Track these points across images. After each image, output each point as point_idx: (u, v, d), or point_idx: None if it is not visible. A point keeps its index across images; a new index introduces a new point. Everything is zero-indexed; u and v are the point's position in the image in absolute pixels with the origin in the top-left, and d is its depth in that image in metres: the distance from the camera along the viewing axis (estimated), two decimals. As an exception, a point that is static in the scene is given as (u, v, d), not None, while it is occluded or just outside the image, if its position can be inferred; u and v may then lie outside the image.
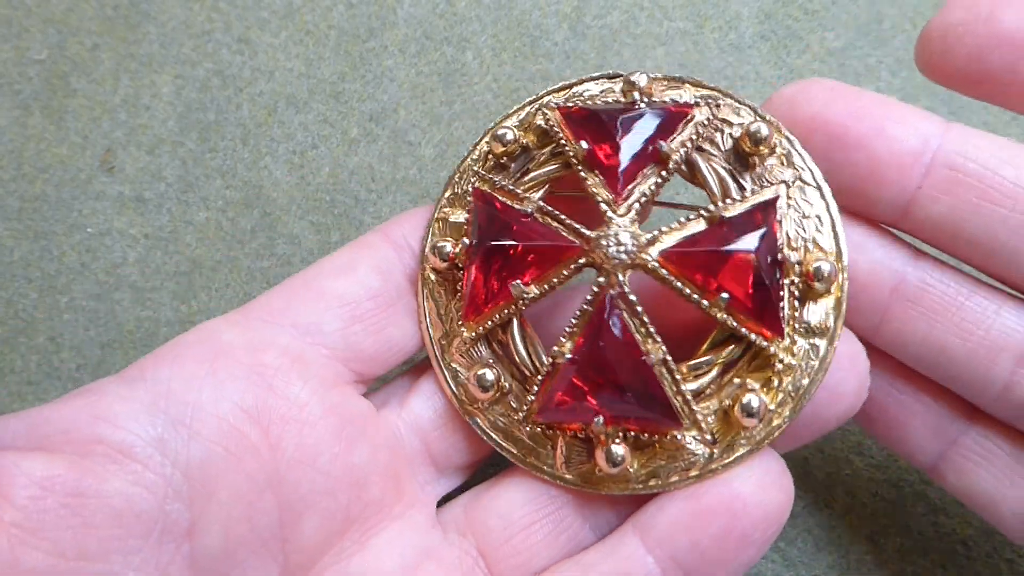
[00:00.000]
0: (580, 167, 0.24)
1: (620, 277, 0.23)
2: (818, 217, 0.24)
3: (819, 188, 0.24)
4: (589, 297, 0.23)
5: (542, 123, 0.25)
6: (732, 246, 0.23)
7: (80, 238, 0.32)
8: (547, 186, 0.25)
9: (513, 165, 0.25)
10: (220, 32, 0.34)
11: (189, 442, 0.21)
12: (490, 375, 0.24)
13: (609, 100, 0.25)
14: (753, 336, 0.23)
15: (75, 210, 0.33)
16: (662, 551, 0.23)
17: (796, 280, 0.23)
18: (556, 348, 0.23)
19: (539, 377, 0.24)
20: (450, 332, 0.25)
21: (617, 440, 0.23)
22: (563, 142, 0.24)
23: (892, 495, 0.30)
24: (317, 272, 0.25)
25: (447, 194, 0.26)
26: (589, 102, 0.25)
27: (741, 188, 0.24)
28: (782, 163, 0.24)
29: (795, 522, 0.30)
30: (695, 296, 0.23)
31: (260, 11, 0.34)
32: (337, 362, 0.24)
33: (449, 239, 0.25)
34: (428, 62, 0.33)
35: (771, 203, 0.23)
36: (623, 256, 0.23)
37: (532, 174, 0.25)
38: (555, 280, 0.23)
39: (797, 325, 0.23)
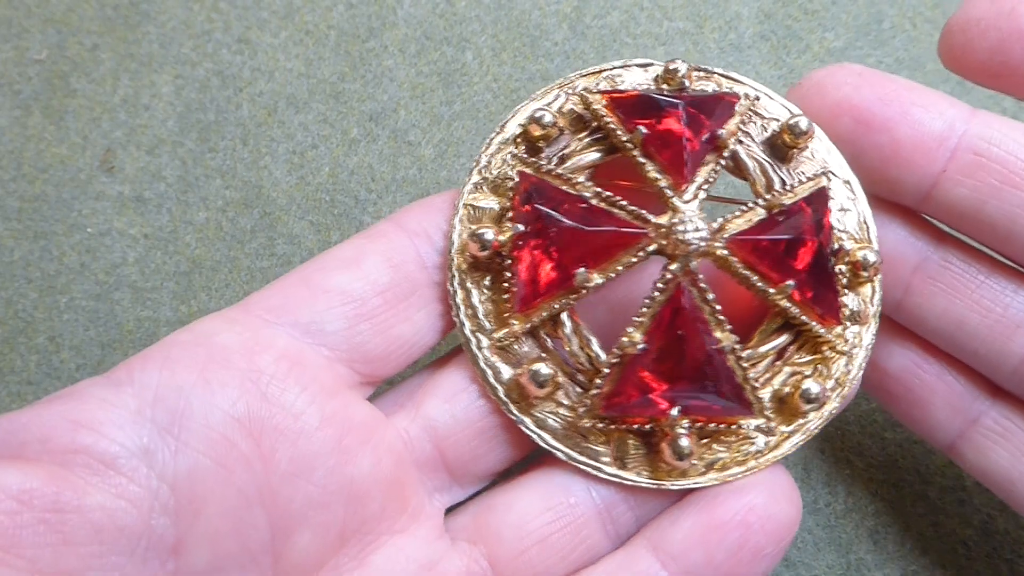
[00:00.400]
0: (637, 153, 0.23)
1: (694, 264, 0.23)
2: (850, 209, 0.24)
3: (848, 182, 0.24)
4: (662, 285, 0.23)
5: (577, 107, 0.24)
6: (796, 234, 0.23)
7: (80, 238, 0.32)
8: (588, 173, 0.24)
9: (548, 150, 0.24)
10: (220, 32, 0.34)
11: (177, 453, 0.20)
12: (545, 369, 0.23)
13: (643, 87, 0.25)
14: (813, 324, 0.23)
15: (75, 210, 0.33)
16: (676, 566, 0.22)
17: (844, 269, 0.24)
18: (624, 339, 0.22)
19: (604, 370, 0.23)
20: (489, 326, 0.24)
21: (683, 430, 0.23)
22: (613, 127, 0.23)
23: (892, 495, 0.30)
24: (321, 265, 0.24)
25: (474, 179, 0.24)
26: (629, 87, 0.25)
27: (781, 180, 0.24)
28: (814, 157, 0.24)
29: (795, 522, 0.30)
30: (761, 284, 0.23)
31: (260, 11, 0.34)
32: (340, 364, 0.23)
33: (489, 226, 0.24)
34: (428, 62, 0.33)
35: (822, 192, 0.24)
36: (699, 243, 0.22)
37: (571, 161, 0.24)
38: (621, 268, 0.23)
39: (844, 310, 0.24)
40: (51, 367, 0.32)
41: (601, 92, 0.24)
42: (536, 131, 0.24)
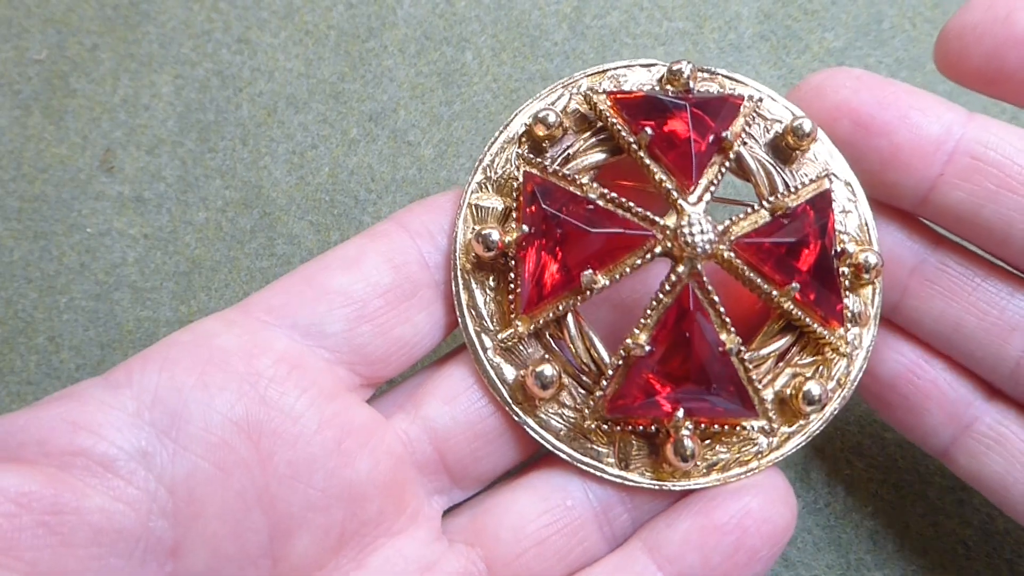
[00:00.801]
0: (643, 154, 0.23)
1: (700, 267, 0.23)
2: (851, 211, 0.24)
3: (849, 183, 0.24)
4: (668, 287, 0.23)
5: (582, 107, 0.24)
6: (800, 237, 0.23)
7: (80, 238, 0.32)
8: (592, 173, 0.24)
9: (552, 150, 0.24)
10: (220, 32, 0.34)
11: (175, 456, 0.20)
12: (549, 371, 0.23)
13: (647, 87, 0.25)
14: (816, 326, 0.23)
15: (75, 210, 0.33)
16: (672, 568, 0.23)
17: (846, 271, 0.24)
18: (630, 341, 0.22)
19: (609, 372, 0.23)
20: (496, 326, 0.24)
21: (687, 431, 0.23)
22: (619, 128, 0.23)
23: (892, 495, 0.30)
24: (323, 265, 0.23)
25: (477, 178, 0.24)
26: (634, 88, 0.24)
27: (784, 182, 0.24)
28: (815, 159, 0.25)
29: (795, 522, 0.30)
30: (765, 286, 0.23)
31: (260, 11, 0.34)
32: (340, 366, 0.23)
33: (494, 226, 0.23)
34: (428, 62, 0.33)
35: (825, 195, 0.24)
36: (707, 246, 0.22)
37: (576, 162, 0.24)
38: (627, 269, 0.23)
39: (846, 312, 0.24)
40: (51, 367, 0.32)
41: (606, 92, 0.24)
42: (541, 131, 0.24)
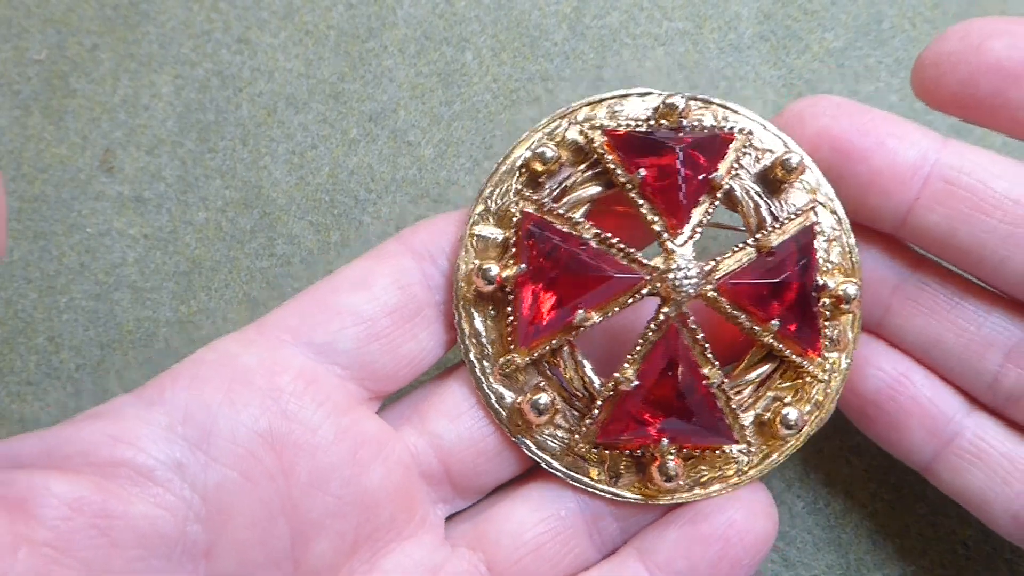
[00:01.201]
0: (635, 194, 0.24)
1: (686, 308, 0.24)
2: (836, 240, 0.25)
3: (835, 212, 0.25)
4: (654, 326, 0.24)
5: (579, 139, 0.25)
6: (782, 277, 0.24)
7: (80, 238, 0.32)
8: (587, 206, 0.25)
9: (550, 182, 0.25)
10: (220, 32, 0.34)
11: (206, 467, 0.22)
12: (545, 399, 0.24)
13: (642, 117, 0.25)
14: (796, 357, 0.25)
15: (75, 210, 0.33)
16: (662, 573, 0.24)
17: (826, 302, 0.25)
18: (619, 375, 0.24)
19: (599, 402, 0.24)
20: (494, 353, 0.25)
21: (671, 456, 0.24)
22: (612, 167, 0.24)
23: (892, 495, 0.30)
24: (334, 286, 0.25)
25: (478, 210, 0.25)
26: (628, 123, 0.25)
27: (772, 213, 0.25)
28: (803, 188, 0.25)
29: (795, 522, 0.30)
30: (747, 323, 0.24)
31: (260, 11, 0.34)
32: (351, 382, 0.24)
33: (492, 261, 0.25)
34: (428, 62, 0.33)
35: (808, 230, 0.25)
36: (691, 289, 0.24)
37: (572, 195, 0.25)
38: (617, 309, 0.24)
39: (824, 340, 0.25)
40: (51, 367, 0.32)
41: (601, 128, 0.25)
42: (538, 166, 0.25)
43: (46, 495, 0.20)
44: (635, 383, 0.24)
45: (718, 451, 0.25)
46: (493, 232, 0.25)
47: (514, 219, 0.25)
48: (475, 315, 0.25)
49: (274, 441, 0.23)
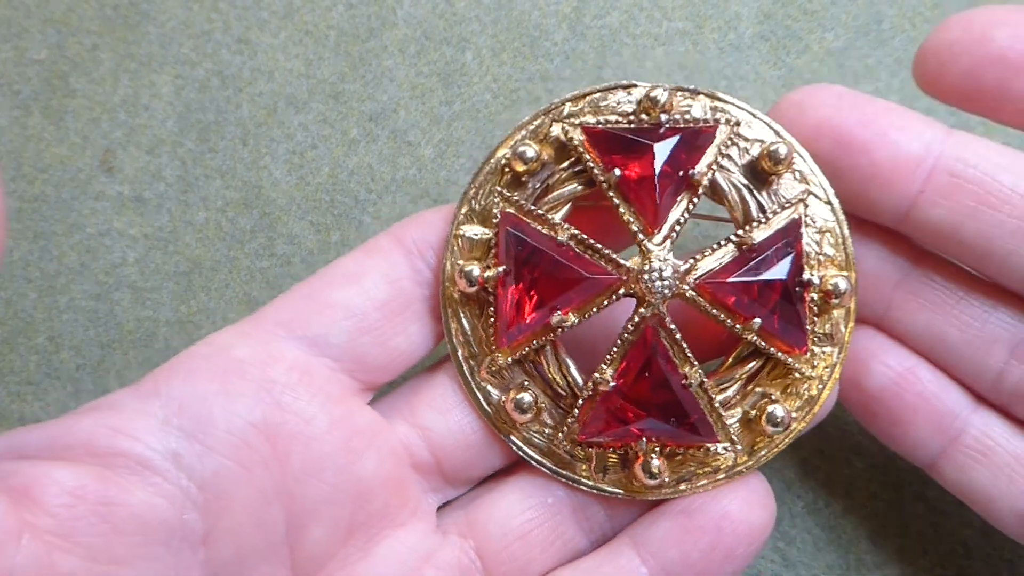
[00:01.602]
0: (612, 194, 0.24)
1: (661, 308, 0.24)
2: (829, 231, 0.25)
3: (829, 202, 0.25)
4: (631, 327, 0.24)
5: (561, 136, 0.25)
6: (763, 276, 0.24)
7: (80, 238, 0.32)
8: (570, 204, 0.25)
9: (533, 180, 0.25)
10: (220, 32, 0.34)
11: (203, 456, 0.22)
12: (527, 398, 0.25)
13: (626, 110, 0.25)
14: (781, 355, 0.24)
15: (75, 210, 0.33)
16: (655, 562, 0.24)
17: (815, 297, 0.24)
18: (597, 375, 0.24)
19: (580, 401, 0.24)
20: (479, 352, 0.25)
21: (654, 454, 0.24)
22: (591, 165, 0.24)
23: (892, 495, 0.30)
24: (326, 280, 0.25)
25: (463, 210, 0.25)
26: (611, 117, 0.25)
27: (759, 205, 0.25)
28: (795, 178, 0.25)
29: (795, 522, 0.30)
30: (728, 321, 0.24)
31: (260, 11, 0.34)
32: (343, 374, 0.25)
33: (475, 262, 0.25)
34: (428, 62, 0.33)
35: (795, 224, 0.24)
36: (666, 290, 0.23)
37: (554, 193, 0.25)
38: (595, 310, 0.24)
39: (813, 336, 0.25)
40: (51, 367, 0.32)
41: (581, 125, 0.25)
42: (519, 166, 0.25)
43: (49, 483, 0.20)
44: (612, 384, 0.24)
45: (702, 449, 0.25)
46: (478, 232, 0.25)
47: (495, 220, 0.25)
48: (461, 315, 0.25)
49: (269, 431, 0.23)
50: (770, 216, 0.24)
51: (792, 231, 0.24)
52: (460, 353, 0.25)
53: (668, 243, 0.24)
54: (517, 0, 0.34)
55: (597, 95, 0.25)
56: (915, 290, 0.25)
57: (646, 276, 0.23)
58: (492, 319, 0.25)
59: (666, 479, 0.24)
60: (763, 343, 0.24)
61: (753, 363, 0.25)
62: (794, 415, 0.25)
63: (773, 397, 0.25)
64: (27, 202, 0.33)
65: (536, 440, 0.25)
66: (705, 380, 0.24)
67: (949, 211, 0.23)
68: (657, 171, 0.24)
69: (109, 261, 0.32)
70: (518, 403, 0.25)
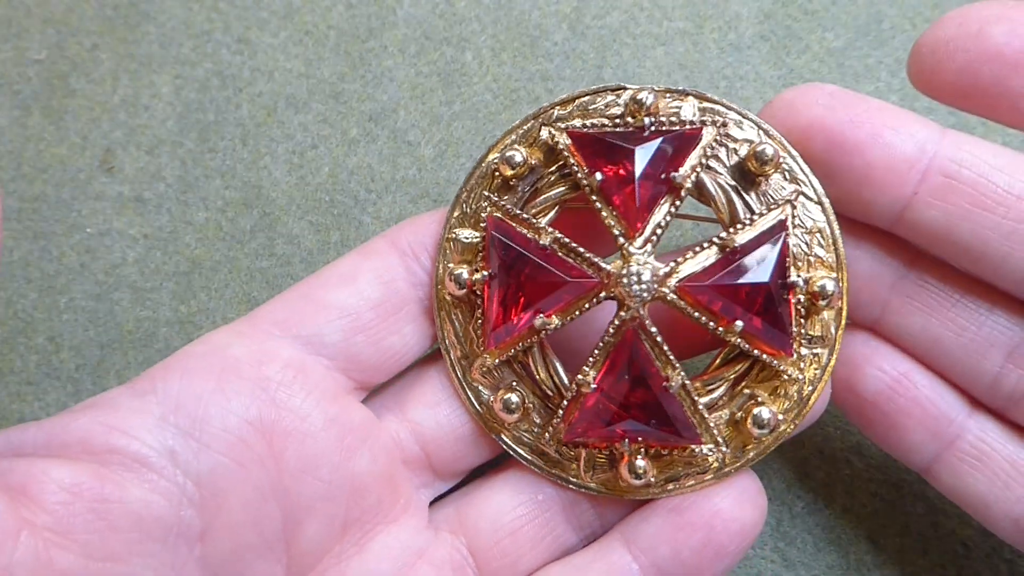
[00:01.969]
0: (595, 198, 0.24)
1: (641, 312, 0.24)
2: (820, 231, 0.24)
3: (820, 202, 0.24)
4: (611, 330, 0.24)
5: (549, 140, 0.25)
6: (745, 279, 0.24)
7: (80, 238, 0.32)
8: (558, 207, 0.25)
9: (522, 183, 0.25)
10: (220, 32, 0.34)
11: (199, 453, 0.22)
12: (515, 398, 0.25)
13: (615, 113, 0.25)
14: (765, 356, 0.24)
15: (75, 210, 0.33)
16: (646, 559, 0.25)
17: (802, 299, 0.24)
18: (580, 376, 0.24)
19: (564, 401, 0.25)
20: (470, 353, 0.26)
21: (639, 455, 0.24)
22: (575, 169, 0.24)
23: (892, 495, 0.30)
24: (321, 281, 0.26)
25: (456, 214, 0.26)
26: (596, 121, 0.25)
27: (747, 206, 0.24)
28: (784, 178, 0.25)
29: (795, 522, 0.30)
30: (711, 324, 0.24)
31: (260, 11, 0.34)
32: (338, 372, 0.25)
33: (464, 266, 0.25)
34: (428, 62, 0.33)
35: (779, 226, 0.24)
36: (644, 294, 0.23)
37: (542, 196, 0.25)
38: (577, 313, 0.24)
39: (802, 337, 0.24)
40: (51, 367, 0.32)
41: (566, 129, 0.25)
42: (507, 171, 0.25)
43: (46, 481, 0.20)
44: (593, 386, 0.24)
45: (687, 450, 0.25)
46: (469, 235, 0.26)
47: (483, 224, 0.25)
48: (453, 315, 0.26)
49: (264, 428, 0.23)
50: (756, 217, 0.24)
51: (777, 232, 0.24)
52: (452, 354, 0.26)
53: (649, 246, 0.24)
54: (517, 0, 0.34)
55: (586, 98, 0.25)
56: (910, 293, 0.25)
57: (624, 280, 0.24)
58: (479, 321, 0.25)
59: (652, 479, 0.25)
60: (747, 345, 0.24)
61: (741, 364, 0.25)
62: (781, 417, 0.24)
63: (760, 399, 0.24)
64: (27, 202, 0.33)
65: (526, 439, 0.26)
66: (688, 383, 0.24)
67: (944, 213, 0.23)
68: (638, 174, 0.24)
69: (109, 261, 0.32)
70: (506, 403, 0.25)
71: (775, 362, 0.24)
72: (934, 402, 0.25)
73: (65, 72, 0.34)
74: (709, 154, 0.24)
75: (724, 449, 0.24)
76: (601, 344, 0.24)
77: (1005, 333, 0.24)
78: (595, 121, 0.25)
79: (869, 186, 0.23)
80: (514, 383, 0.25)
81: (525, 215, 0.25)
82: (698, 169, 0.24)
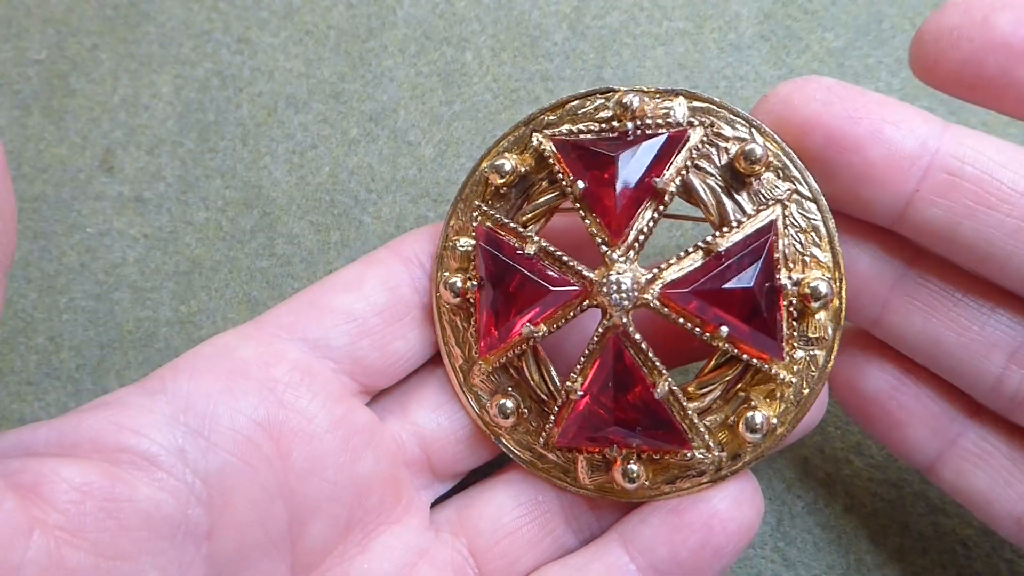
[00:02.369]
0: (578, 205, 0.24)
1: (624, 319, 0.23)
2: (815, 230, 0.24)
3: (815, 200, 0.24)
4: (595, 338, 0.24)
5: (537, 147, 0.25)
6: (729, 284, 0.23)
7: (80, 238, 0.32)
8: (548, 214, 0.25)
9: (513, 191, 0.26)
10: (220, 32, 0.34)
11: (207, 453, 0.22)
12: (510, 404, 0.25)
13: (605, 116, 0.25)
14: (754, 361, 0.24)
15: (75, 210, 0.33)
16: (644, 559, 0.25)
17: (793, 301, 0.24)
18: (569, 383, 0.24)
19: (556, 406, 0.25)
20: (470, 358, 0.26)
21: (632, 460, 0.24)
22: (560, 176, 0.24)
23: (892, 495, 0.30)
24: (327, 288, 0.26)
25: (452, 223, 0.26)
26: (585, 125, 0.25)
27: (738, 205, 0.24)
28: (778, 176, 0.24)
29: (795, 522, 0.30)
30: (696, 330, 0.23)
31: (260, 11, 0.34)
32: (344, 375, 0.25)
33: (459, 274, 0.25)
34: (428, 62, 0.33)
35: (768, 228, 0.23)
36: (625, 302, 0.23)
37: (533, 203, 0.25)
38: (563, 321, 0.24)
39: (796, 339, 0.24)
40: (51, 367, 0.32)
41: (551, 136, 0.25)
42: (496, 179, 0.25)
43: (57, 480, 0.20)
44: (580, 393, 0.24)
45: (678, 455, 0.24)
46: (466, 243, 0.26)
47: (473, 233, 0.26)
48: (452, 322, 0.26)
49: (272, 429, 0.24)
50: (744, 219, 0.24)
51: (765, 234, 0.23)
52: (453, 359, 0.26)
53: (631, 253, 0.24)
54: (517, 0, 0.34)
55: (575, 103, 0.25)
56: (911, 292, 0.24)
57: (604, 288, 0.23)
58: (472, 329, 0.26)
59: (646, 483, 0.25)
60: (735, 351, 0.23)
61: (734, 368, 0.24)
62: (775, 421, 0.24)
63: (753, 403, 0.24)
64: (27, 202, 0.33)
65: (525, 442, 0.26)
66: (675, 388, 0.24)
67: (946, 210, 0.22)
68: (619, 181, 0.23)
69: (109, 261, 0.32)
70: (501, 408, 0.25)
71: (766, 366, 0.24)
72: (935, 402, 0.25)
73: (65, 72, 0.34)
74: (697, 155, 0.24)
75: (716, 453, 0.24)
76: (587, 352, 0.24)
77: (1008, 333, 0.24)
78: (584, 126, 0.25)
79: (869, 184, 0.23)
80: (510, 388, 0.26)
81: (513, 224, 0.25)
82: (683, 172, 0.24)
